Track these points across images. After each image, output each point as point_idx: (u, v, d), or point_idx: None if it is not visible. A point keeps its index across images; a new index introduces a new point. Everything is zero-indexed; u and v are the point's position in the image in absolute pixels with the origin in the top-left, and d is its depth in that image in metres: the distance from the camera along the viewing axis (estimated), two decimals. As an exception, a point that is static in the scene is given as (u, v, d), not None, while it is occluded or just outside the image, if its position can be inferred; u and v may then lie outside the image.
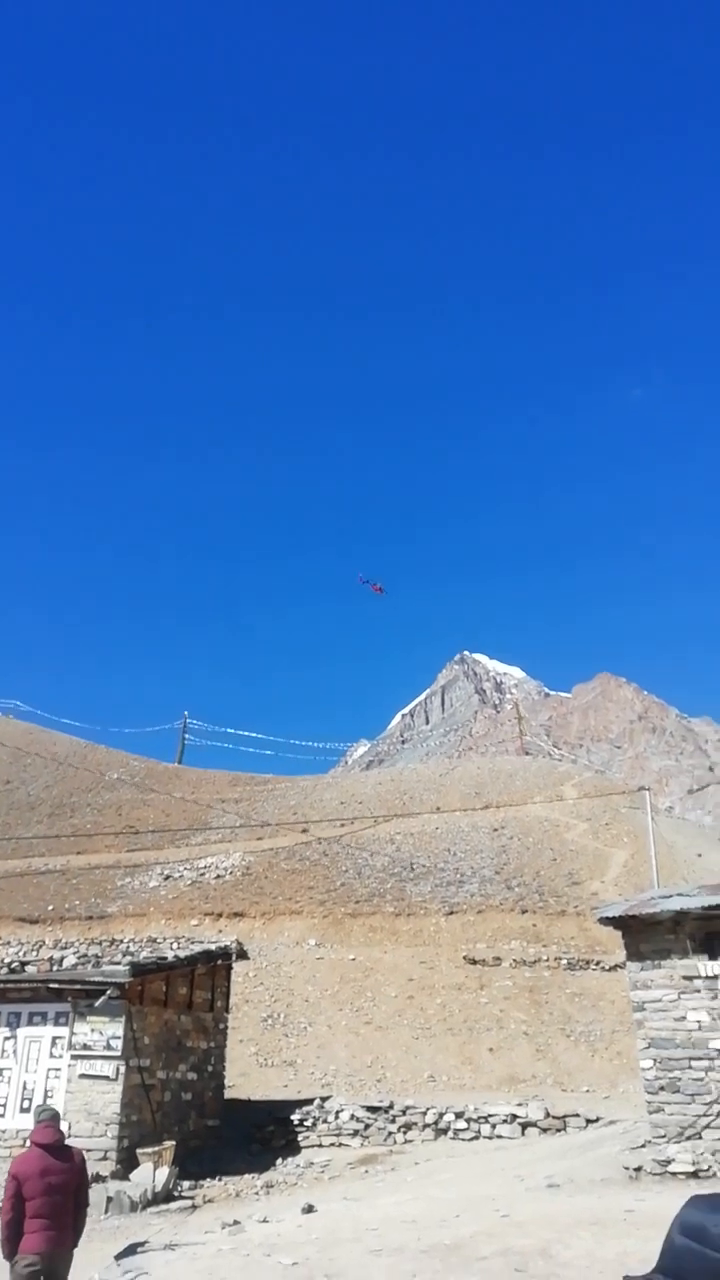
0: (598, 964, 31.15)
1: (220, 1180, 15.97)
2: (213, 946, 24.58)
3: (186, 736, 73.92)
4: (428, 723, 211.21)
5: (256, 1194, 14.88)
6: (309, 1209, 11.75)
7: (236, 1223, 10.87)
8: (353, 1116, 19.02)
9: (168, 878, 40.11)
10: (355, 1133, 18.81)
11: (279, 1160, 17.65)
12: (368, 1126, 18.86)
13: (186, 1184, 15.40)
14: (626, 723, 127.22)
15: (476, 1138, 18.30)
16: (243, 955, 31.28)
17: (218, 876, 39.85)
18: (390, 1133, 18.71)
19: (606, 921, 14.27)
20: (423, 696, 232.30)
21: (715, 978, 12.91)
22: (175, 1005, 18.49)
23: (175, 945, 31.20)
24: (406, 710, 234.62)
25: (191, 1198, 14.64)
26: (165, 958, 20.32)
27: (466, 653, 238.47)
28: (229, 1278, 7.19)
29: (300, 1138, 18.88)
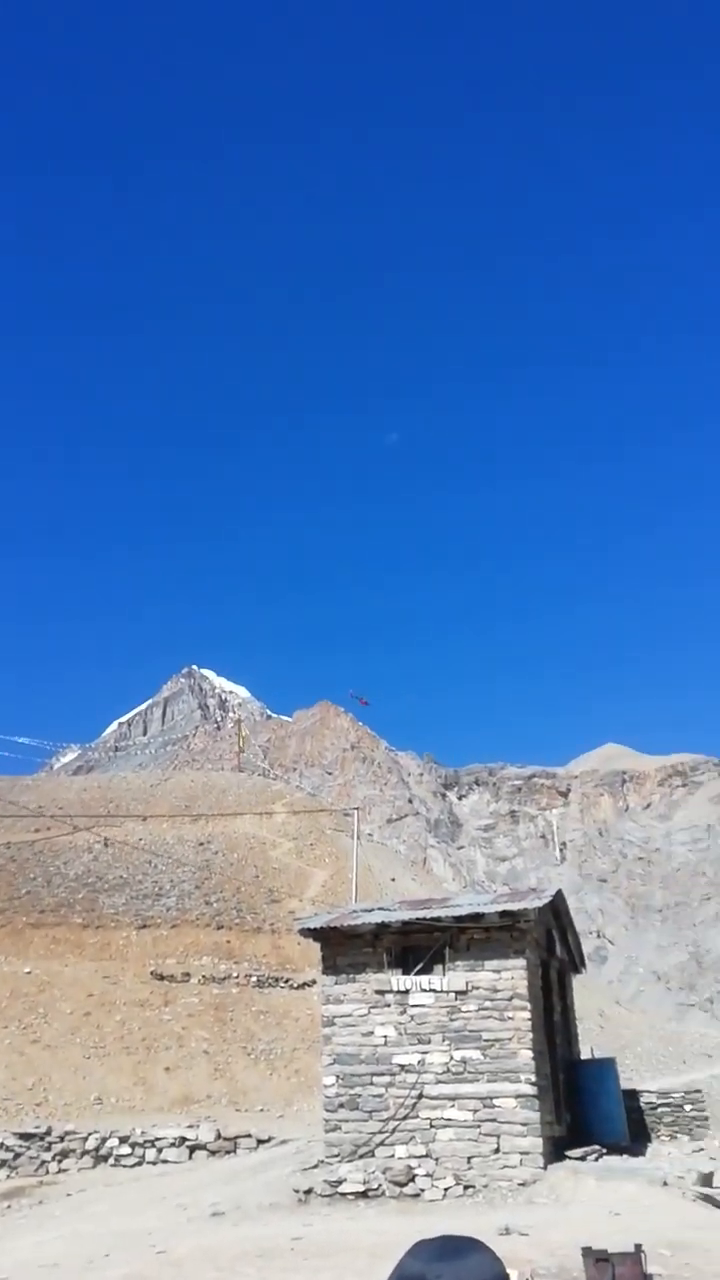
0: (287, 982, 30.98)
1: None
2: None
3: None
4: (145, 733, 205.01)
5: None
6: (-71, 1257, 9.99)
7: None
8: (1, 1145, 17.01)
9: None
10: (3, 1163, 16.82)
11: None
12: (18, 1155, 16.94)
13: None
14: (340, 751, 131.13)
15: (140, 1163, 17.04)
16: None
17: None
18: (44, 1161, 16.93)
19: (308, 933, 13.82)
20: (144, 706, 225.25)
21: (406, 992, 12.85)
22: None
23: None
24: (125, 719, 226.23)
25: None
26: None
27: (195, 667, 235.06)
28: None
29: (-64, 1172, 16.54)
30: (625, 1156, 13.33)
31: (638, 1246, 5.40)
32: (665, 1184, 11.26)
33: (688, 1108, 16.42)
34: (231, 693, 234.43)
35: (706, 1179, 11.90)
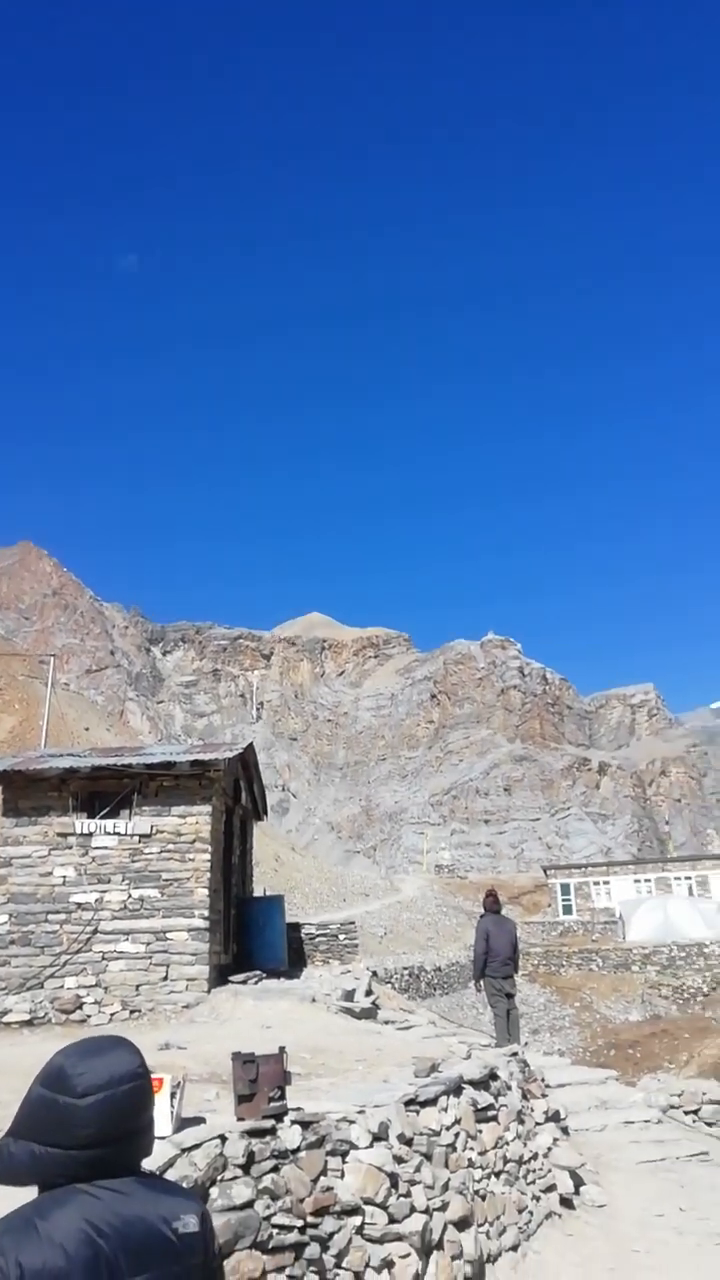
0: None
1: None
2: None
3: None
4: None
5: None
6: None
7: None
8: None
9: None
10: None
11: None
12: None
13: None
14: (40, 596, 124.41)
15: None
16: None
17: None
18: None
19: (-11, 775, 13.38)
20: None
21: (90, 835, 12.99)
22: None
23: None
24: None
25: None
26: None
27: None
28: None
29: None
30: (283, 979, 14.77)
31: (281, 1049, 6.08)
32: (314, 1000, 12.70)
33: (341, 937, 18.44)
34: None
35: (349, 995, 13.58)
